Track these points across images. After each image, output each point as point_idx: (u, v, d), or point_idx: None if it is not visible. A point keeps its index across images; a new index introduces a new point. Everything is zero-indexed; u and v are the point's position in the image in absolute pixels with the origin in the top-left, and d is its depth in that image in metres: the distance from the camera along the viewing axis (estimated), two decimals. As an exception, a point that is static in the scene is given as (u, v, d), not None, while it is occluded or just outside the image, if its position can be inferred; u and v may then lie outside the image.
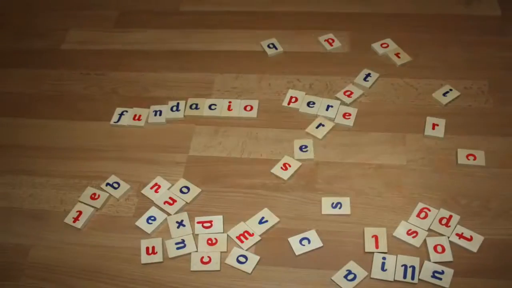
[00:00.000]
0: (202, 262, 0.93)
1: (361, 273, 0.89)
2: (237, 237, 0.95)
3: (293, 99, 1.14)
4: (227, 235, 0.95)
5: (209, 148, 1.09)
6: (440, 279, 0.87)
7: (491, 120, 1.07)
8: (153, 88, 1.22)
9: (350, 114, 1.11)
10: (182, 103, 1.16)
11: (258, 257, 0.93)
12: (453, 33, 1.24)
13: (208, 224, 0.97)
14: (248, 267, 0.92)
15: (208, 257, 0.93)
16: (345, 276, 0.89)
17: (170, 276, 0.93)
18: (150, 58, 1.28)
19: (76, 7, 1.43)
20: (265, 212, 0.98)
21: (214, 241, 0.95)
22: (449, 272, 0.88)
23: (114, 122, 1.17)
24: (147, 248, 0.95)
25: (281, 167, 1.04)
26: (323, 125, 1.09)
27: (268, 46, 1.25)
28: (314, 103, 1.13)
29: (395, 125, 1.08)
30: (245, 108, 1.14)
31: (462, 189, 0.98)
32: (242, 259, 0.93)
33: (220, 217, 0.98)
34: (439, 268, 0.88)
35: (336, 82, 1.17)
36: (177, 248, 0.95)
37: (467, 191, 0.97)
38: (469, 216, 0.94)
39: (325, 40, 1.25)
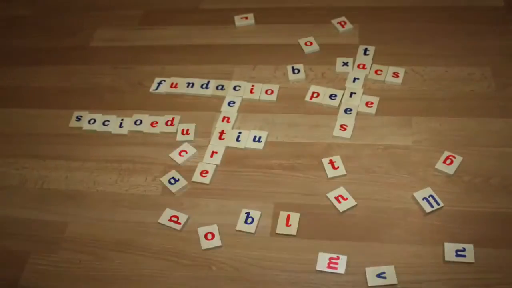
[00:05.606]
0: (206, 238, 1.01)
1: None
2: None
3: (315, 94, 1.20)
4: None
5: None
6: (464, 256, 0.91)
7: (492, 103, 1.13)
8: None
9: (372, 103, 1.16)
10: (212, 82, 1.25)
11: None
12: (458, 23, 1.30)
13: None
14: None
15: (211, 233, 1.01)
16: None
17: (191, 247, 1.02)
18: (173, 53, 1.36)
19: (103, 8, 1.52)
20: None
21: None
22: (469, 247, 0.92)
23: (153, 90, 1.26)
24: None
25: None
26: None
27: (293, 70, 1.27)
28: (336, 96, 1.19)
29: (402, 109, 1.15)
30: (266, 92, 1.22)
31: (465, 166, 1.04)
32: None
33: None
34: (460, 246, 0.92)
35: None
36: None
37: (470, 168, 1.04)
38: (471, 191, 1.01)
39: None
